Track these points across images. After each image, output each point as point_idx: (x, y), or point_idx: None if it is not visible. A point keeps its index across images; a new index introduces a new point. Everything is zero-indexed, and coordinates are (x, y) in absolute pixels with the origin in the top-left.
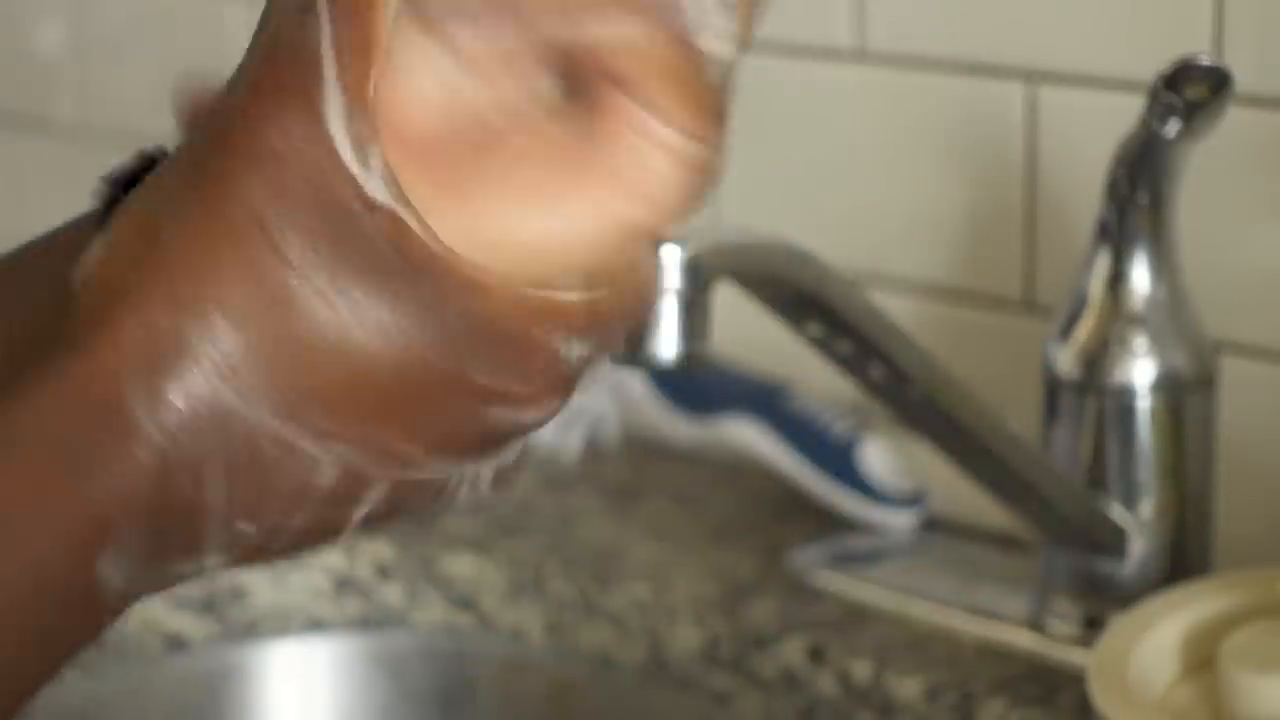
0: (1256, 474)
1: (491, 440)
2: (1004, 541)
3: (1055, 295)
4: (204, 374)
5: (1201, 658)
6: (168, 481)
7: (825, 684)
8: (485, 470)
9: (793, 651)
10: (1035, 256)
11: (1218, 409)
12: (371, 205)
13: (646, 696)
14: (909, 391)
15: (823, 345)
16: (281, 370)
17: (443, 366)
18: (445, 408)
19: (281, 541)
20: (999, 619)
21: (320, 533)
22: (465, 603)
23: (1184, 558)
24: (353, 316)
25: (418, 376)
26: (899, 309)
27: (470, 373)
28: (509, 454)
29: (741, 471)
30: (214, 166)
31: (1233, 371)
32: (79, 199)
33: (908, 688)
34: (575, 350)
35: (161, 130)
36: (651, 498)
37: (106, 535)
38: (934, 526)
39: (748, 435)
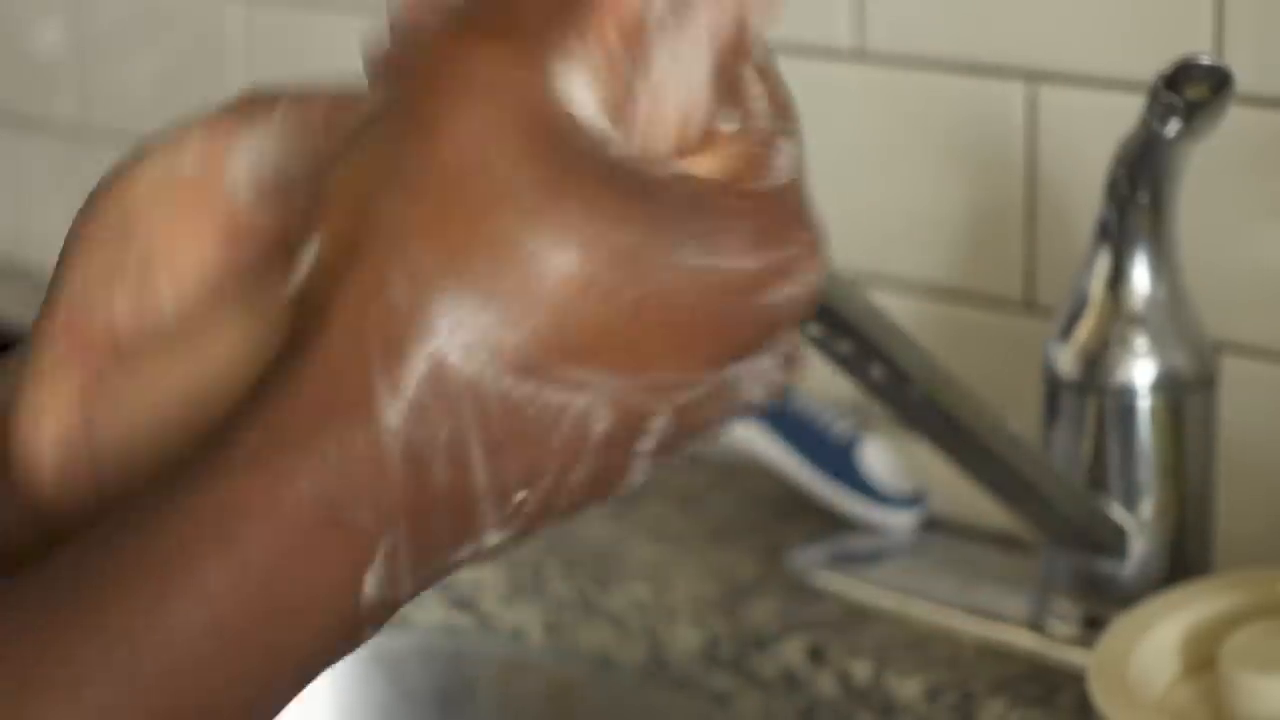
0: (1257, 474)
1: (766, 326)
2: (1004, 542)
3: (1055, 295)
4: (450, 348)
5: (1202, 658)
6: (421, 472)
7: (825, 684)
8: (768, 363)
9: (793, 652)
10: (1035, 256)
11: (1218, 409)
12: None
13: (646, 696)
14: (909, 391)
15: (823, 345)
16: (530, 331)
17: (699, 275)
18: (713, 315)
19: (563, 500)
20: (999, 619)
21: (605, 482)
22: (465, 603)
23: (1184, 558)
24: (596, 254)
25: (674, 297)
26: (899, 309)
27: (727, 264)
28: (787, 337)
29: (741, 471)
30: (422, 111)
31: (1233, 371)
32: (79, 199)
33: (908, 688)
34: (802, 189)
35: (159, 129)
36: (651, 498)
37: (367, 556)
38: (934, 526)
39: (748, 435)
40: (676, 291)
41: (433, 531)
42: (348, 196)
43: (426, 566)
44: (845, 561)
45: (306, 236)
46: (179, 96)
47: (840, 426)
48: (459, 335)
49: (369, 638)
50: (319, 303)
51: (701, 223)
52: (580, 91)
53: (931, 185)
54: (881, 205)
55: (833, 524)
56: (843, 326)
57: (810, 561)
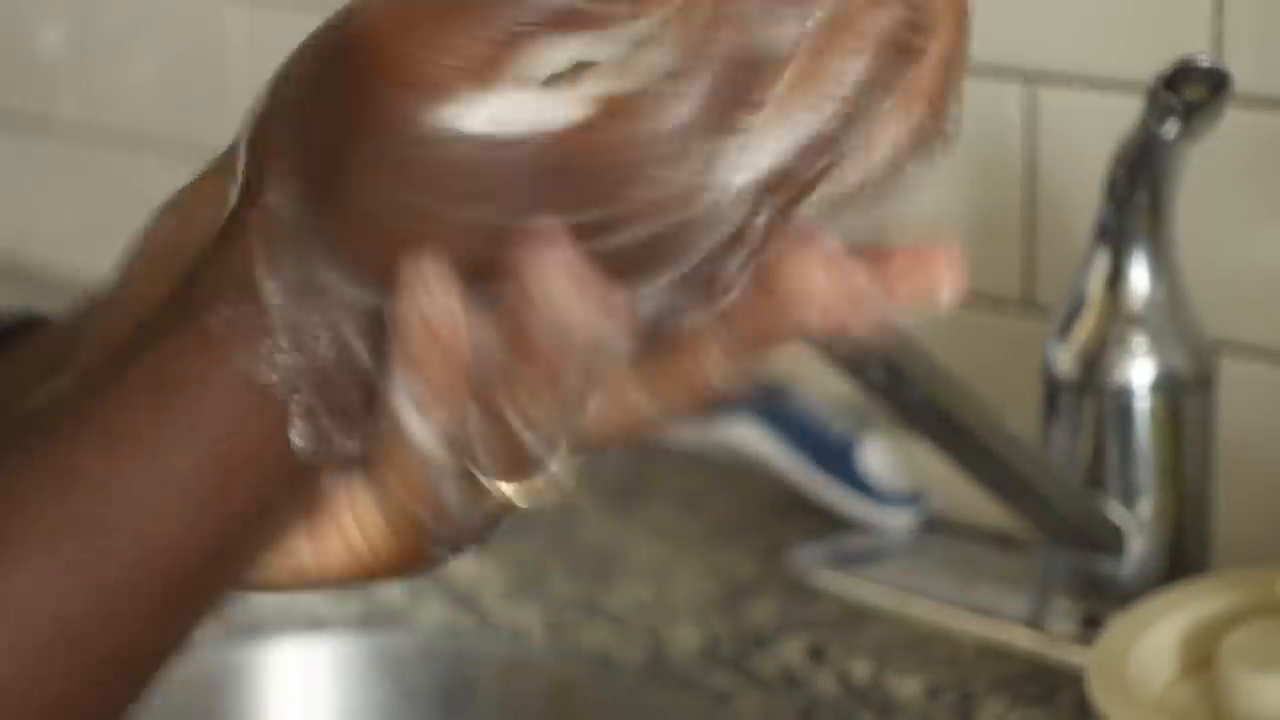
0: (1255, 474)
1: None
2: (1003, 541)
3: (1054, 295)
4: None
5: (1200, 657)
6: (306, 341)
7: (825, 683)
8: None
9: (793, 651)
10: (1035, 256)
11: (1216, 409)
12: None
13: (647, 696)
14: (908, 391)
15: (823, 345)
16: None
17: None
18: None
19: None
20: (998, 618)
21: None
22: (466, 602)
23: (1183, 557)
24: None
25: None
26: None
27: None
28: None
29: (741, 471)
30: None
31: (1232, 371)
32: (79, 199)
33: (907, 687)
34: None
35: (161, 129)
36: (651, 498)
37: (282, 413)
38: (933, 526)
39: (748, 435)
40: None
41: (339, 392)
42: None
43: (352, 426)
44: (845, 561)
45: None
46: (180, 97)
47: (840, 426)
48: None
49: (323, 486)
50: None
51: None
52: None
53: (931, 185)
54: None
55: (832, 524)
56: None
57: (810, 561)
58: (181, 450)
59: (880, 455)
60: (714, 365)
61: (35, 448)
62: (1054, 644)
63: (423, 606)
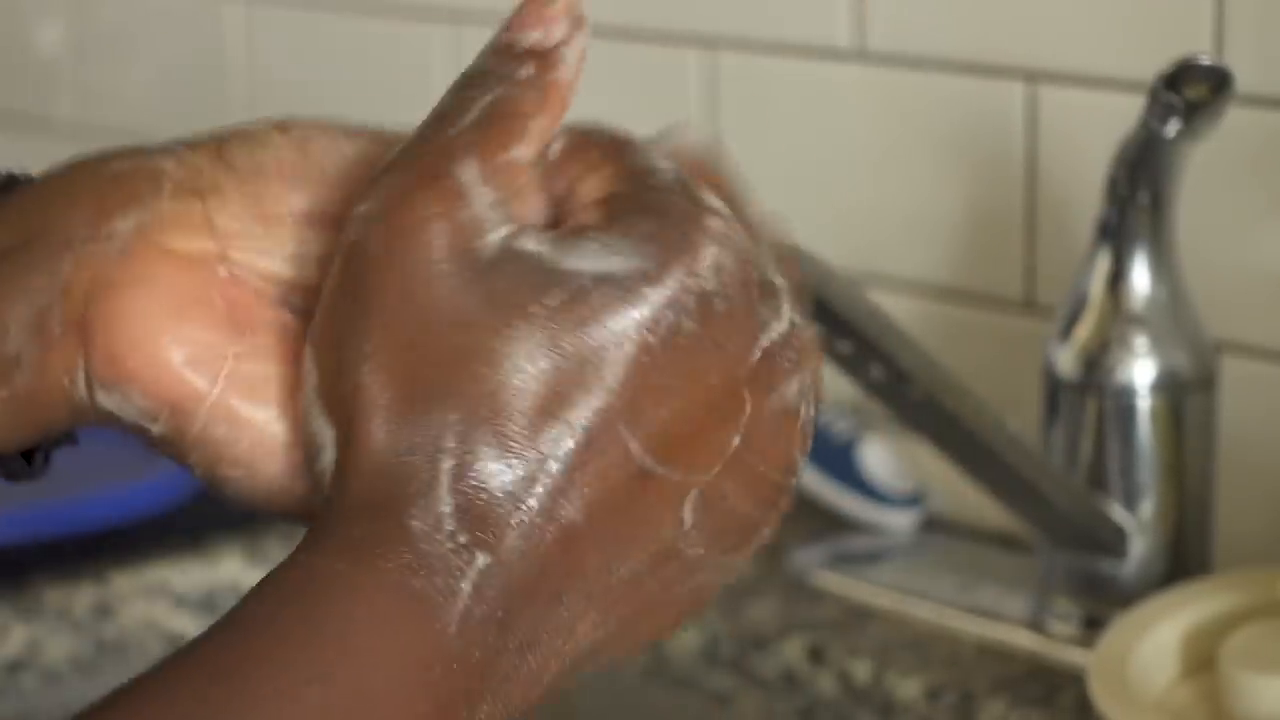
0: (1257, 474)
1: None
2: (1004, 541)
3: (1055, 295)
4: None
5: (1201, 658)
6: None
7: (825, 684)
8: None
9: (793, 651)
10: (1035, 256)
11: (1218, 409)
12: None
13: (646, 696)
14: (909, 391)
15: (823, 345)
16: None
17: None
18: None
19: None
20: (999, 619)
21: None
22: None
23: (1184, 558)
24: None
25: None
26: (899, 309)
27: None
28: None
29: None
30: (369, 283)
31: (1233, 371)
32: None
33: (908, 688)
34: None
35: (159, 128)
36: None
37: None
38: (934, 526)
39: None
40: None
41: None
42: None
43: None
44: (845, 561)
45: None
46: (179, 97)
47: (840, 426)
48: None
49: None
50: (336, 478)
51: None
52: (489, 211)
53: (931, 185)
54: (881, 205)
55: (833, 524)
56: (843, 326)
57: (810, 561)
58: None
59: (880, 455)
60: None
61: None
62: (1055, 645)
63: None
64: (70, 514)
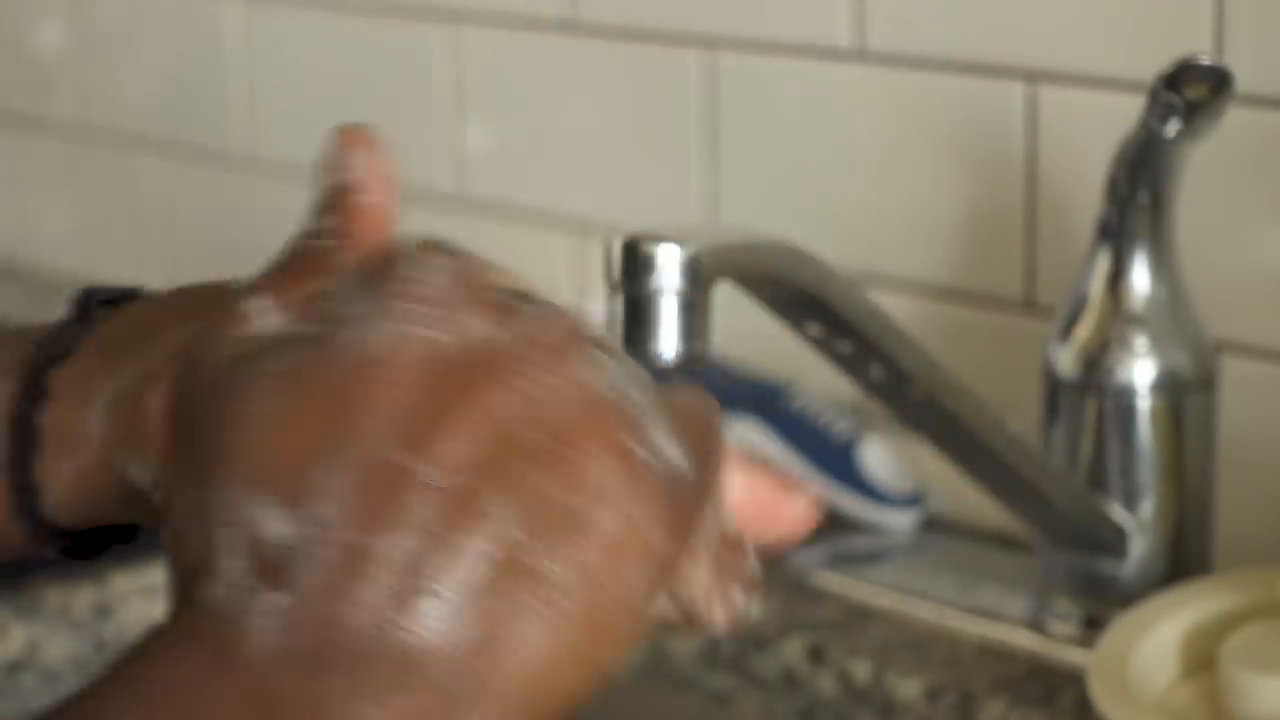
0: (1257, 474)
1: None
2: (1004, 542)
3: (1055, 295)
4: None
5: (1201, 658)
6: None
7: (825, 684)
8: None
9: (793, 651)
10: (1035, 256)
11: (1218, 409)
12: None
13: (646, 696)
14: (909, 391)
15: (823, 345)
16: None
17: None
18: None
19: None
20: (999, 619)
21: None
22: None
23: (1184, 558)
24: None
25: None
26: (899, 309)
27: None
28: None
29: None
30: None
31: (1233, 371)
32: (79, 198)
33: (908, 688)
34: None
35: (159, 129)
36: None
37: None
38: (934, 526)
39: (748, 435)
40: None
41: None
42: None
43: None
44: (845, 561)
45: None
46: (179, 97)
47: (840, 426)
48: None
49: None
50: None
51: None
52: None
53: (931, 185)
54: (881, 205)
55: (833, 524)
56: (843, 326)
57: (810, 561)
58: None
59: (880, 455)
60: None
61: None
62: (1055, 645)
63: None
64: None
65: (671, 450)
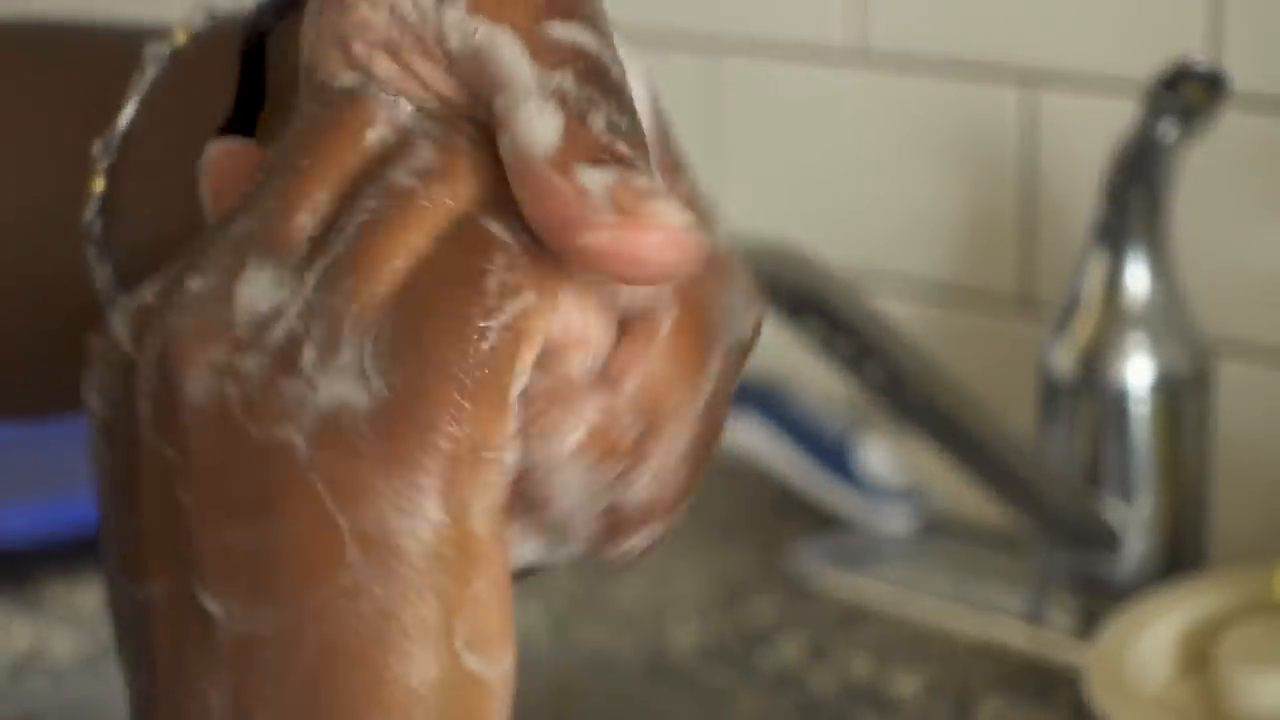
0: (1253, 473)
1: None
2: (1001, 540)
3: (1052, 295)
4: None
5: (1197, 655)
6: None
7: (824, 682)
8: None
9: (792, 649)
10: (1032, 257)
11: (1214, 409)
12: None
13: (646, 694)
14: (907, 391)
15: (822, 345)
16: None
17: None
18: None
19: None
20: (997, 617)
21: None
22: None
23: (1180, 556)
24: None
25: None
26: (897, 309)
27: None
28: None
29: (740, 470)
30: None
31: (1229, 371)
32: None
33: (906, 685)
34: None
35: None
36: None
37: None
38: (932, 525)
39: (747, 434)
40: None
41: None
42: None
43: None
44: (844, 560)
45: None
46: None
47: (838, 425)
48: None
49: None
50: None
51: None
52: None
53: (929, 186)
54: (879, 206)
55: (831, 522)
56: (842, 326)
57: (809, 560)
58: None
59: (877, 454)
60: None
61: None
62: (1052, 642)
63: None
64: (73, 513)
65: None
